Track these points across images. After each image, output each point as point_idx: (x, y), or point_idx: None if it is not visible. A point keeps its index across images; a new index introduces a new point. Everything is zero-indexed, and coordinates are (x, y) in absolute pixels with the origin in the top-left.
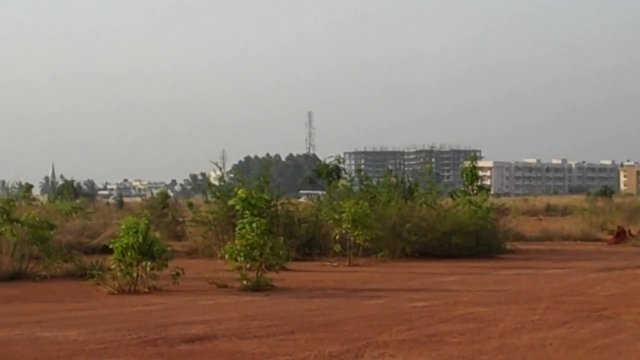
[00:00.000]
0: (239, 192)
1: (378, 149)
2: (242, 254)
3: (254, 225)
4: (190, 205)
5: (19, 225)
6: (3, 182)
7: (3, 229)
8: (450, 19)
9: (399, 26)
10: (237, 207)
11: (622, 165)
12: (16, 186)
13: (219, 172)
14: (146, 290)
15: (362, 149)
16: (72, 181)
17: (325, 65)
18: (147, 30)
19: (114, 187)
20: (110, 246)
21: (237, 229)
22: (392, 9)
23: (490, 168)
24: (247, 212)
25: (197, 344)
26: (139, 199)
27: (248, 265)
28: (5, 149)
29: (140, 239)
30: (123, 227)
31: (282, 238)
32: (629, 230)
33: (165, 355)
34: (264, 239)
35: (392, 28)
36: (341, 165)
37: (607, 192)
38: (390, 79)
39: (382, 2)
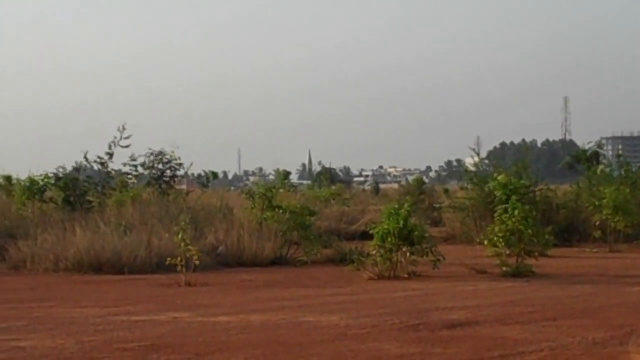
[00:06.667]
0: (499, 177)
1: (636, 134)
2: (501, 239)
3: (515, 211)
4: (447, 191)
5: (281, 211)
6: (261, 169)
7: (265, 215)
8: None
9: None
10: (496, 193)
11: None
12: (274, 173)
13: (476, 158)
14: (405, 275)
15: (620, 134)
16: (330, 168)
17: (579, 54)
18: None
19: (369, 173)
20: (370, 232)
21: (496, 214)
22: None
23: None
24: (513, 197)
25: (458, 330)
26: (395, 186)
27: (507, 251)
28: (263, 136)
29: (401, 225)
30: (384, 212)
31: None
32: None
33: (427, 340)
34: (524, 225)
35: None
36: (601, 151)
37: None
38: None
39: None
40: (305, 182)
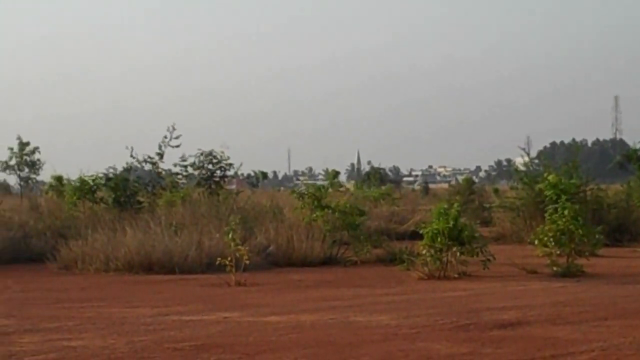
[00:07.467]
0: (549, 177)
1: None
2: (552, 239)
3: (566, 210)
4: (496, 191)
5: (330, 211)
6: (310, 169)
7: (315, 215)
8: None
9: None
10: (546, 193)
11: None
12: (324, 173)
13: (526, 158)
14: (456, 275)
15: None
16: (379, 168)
17: (630, 53)
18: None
19: (419, 173)
20: (420, 232)
21: (547, 214)
22: None
23: None
24: (563, 197)
25: (509, 330)
26: (445, 185)
27: (558, 251)
28: (312, 136)
29: (451, 225)
30: (434, 212)
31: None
32: None
33: (477, 340)
34: (575, 225)
35: None
36: None
37: None
38: None
39: None
40: (351, 181)
